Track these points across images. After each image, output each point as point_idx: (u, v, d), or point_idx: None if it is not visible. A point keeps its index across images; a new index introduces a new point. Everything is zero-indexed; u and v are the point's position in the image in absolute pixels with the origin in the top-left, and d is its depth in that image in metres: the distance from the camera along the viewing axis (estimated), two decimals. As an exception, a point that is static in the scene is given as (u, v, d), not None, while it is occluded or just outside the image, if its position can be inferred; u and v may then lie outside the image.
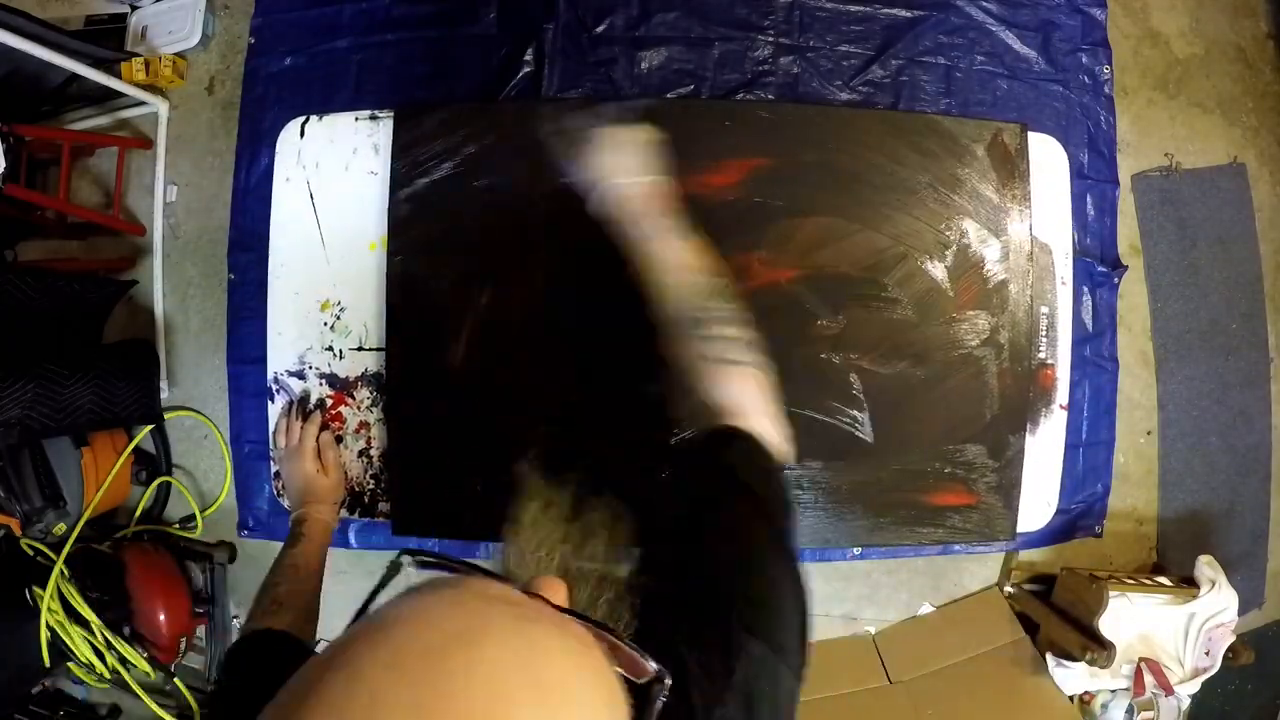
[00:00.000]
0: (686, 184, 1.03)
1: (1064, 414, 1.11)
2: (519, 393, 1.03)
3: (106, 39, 2.04)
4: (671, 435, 1.03)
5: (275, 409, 1.10)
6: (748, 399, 0.69)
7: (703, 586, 0.53)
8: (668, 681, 0.39)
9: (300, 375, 1.08)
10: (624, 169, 0.84)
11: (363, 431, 1.08)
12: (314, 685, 0.30)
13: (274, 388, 1.10)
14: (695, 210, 1.02)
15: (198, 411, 2.00)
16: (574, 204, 1.03)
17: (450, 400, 1.04)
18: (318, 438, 1.04)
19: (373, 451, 1.08)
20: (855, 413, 1.04)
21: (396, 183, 1.05)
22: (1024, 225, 1.05)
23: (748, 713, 0.48)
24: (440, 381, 1.04)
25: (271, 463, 1.10)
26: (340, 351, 1.08)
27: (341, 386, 1.08)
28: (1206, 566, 1.69)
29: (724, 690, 0.47)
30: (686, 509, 0.60)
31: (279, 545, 2.01)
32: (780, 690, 0.52)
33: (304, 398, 1.09)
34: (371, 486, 1.08)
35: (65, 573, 1.68)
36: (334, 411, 1.07)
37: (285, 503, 1.05)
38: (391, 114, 1.07)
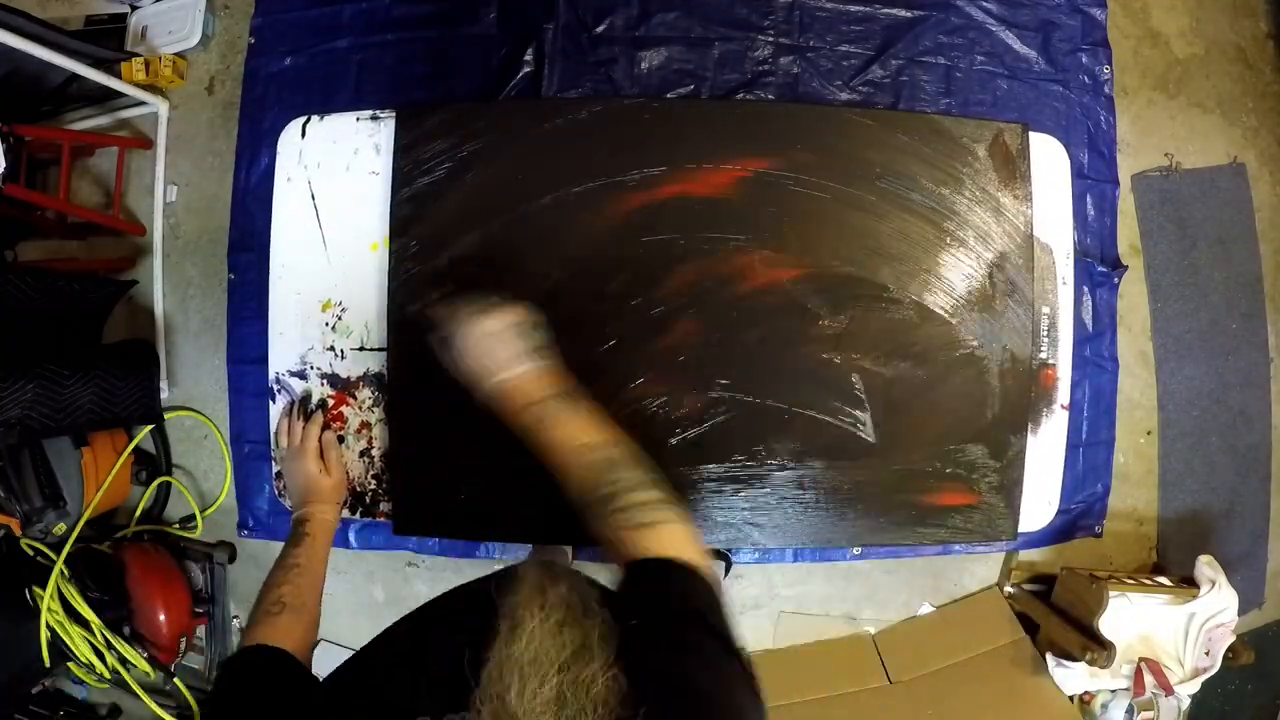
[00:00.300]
0: (687, 184, 1.04)
1: (1065, 414, 1.11)
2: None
3: (106, 39, 2.04)
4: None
5: (276, 409, 1.09)
6: (675, 548, 0.66)
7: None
8: None
9: (302, 375, 1.07)
10: (502, 361, 0.80)
11: (364, 431, 1.07)
12: None
13: (275, 388, 1.09)
14: (696, 210, 1.03)
15: (198, 411, 2.00)
16: (577, 203, 1.04)
17: (452, 400, 1.04)
18: (320, 438, 1.04)
19: (374, 451, 1.07)
20: (857, 412, 1.04)
21: (399, 182, 1.05)
22: (1025, 225, 1.05)
23: None
24: (442, 381, 1.04)
25: (273, 463, 1.10)
26: (342, 351, 1.08)
27: (343, 386, 1.07)
28: (1206, 566, 1.69)
29: None
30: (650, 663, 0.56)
31: (279, 545, 2.03)
32: None
33: (305, 398, 1.09)
34: (373, 486, 1.08)
35: (65, 573, 1.68)
36: (335, 411, 1.07)
37: (287, 503, 1.05)
38: (393, 114, 1.07)
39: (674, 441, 1.03)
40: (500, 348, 0.78)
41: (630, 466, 0.71)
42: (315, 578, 0.91)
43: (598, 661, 0.48)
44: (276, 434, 1.07)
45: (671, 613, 0.58)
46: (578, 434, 0.73)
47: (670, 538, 0.67)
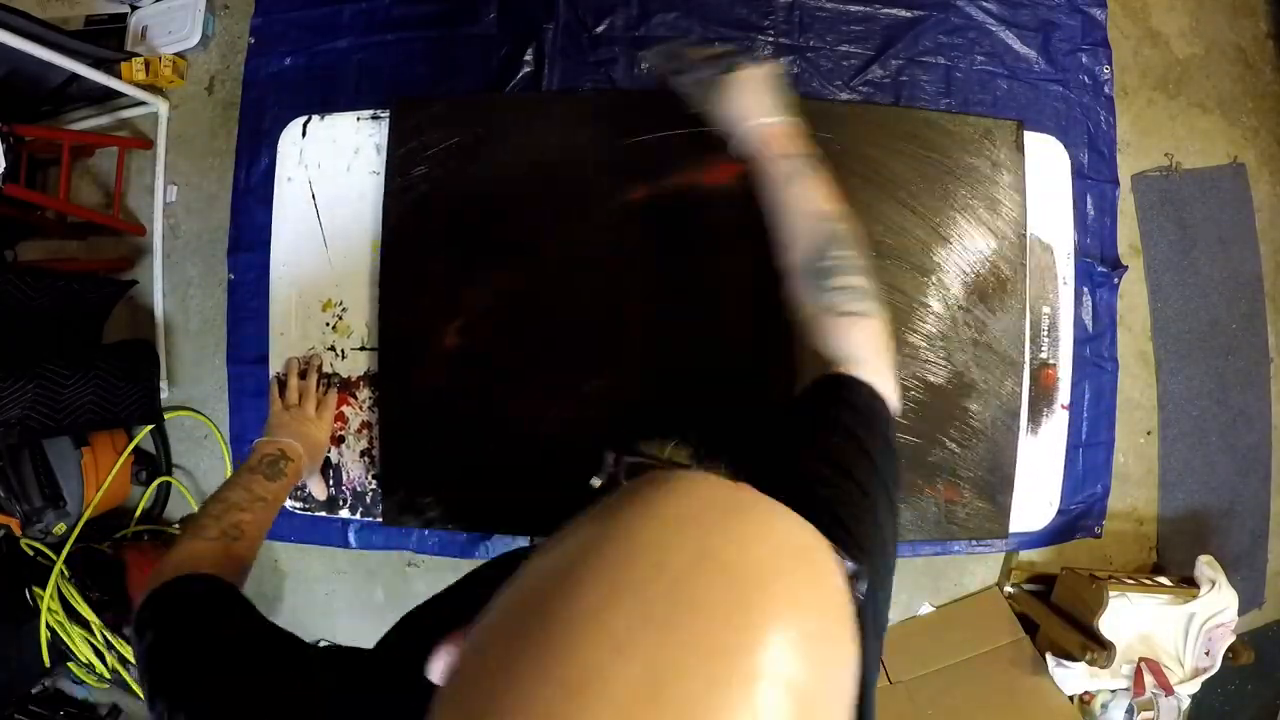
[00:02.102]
0: (684, 174, 1.04)
1: (1065, 414, 1.11)
2: (514, 386, 1.03)
3: (106, 39, 2.04)
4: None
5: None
6: (867, 350, 0.69)
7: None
8: (863, 583, 0.43)
9: (302, 375, 1.07)
10: (762, 109, 0.82)
11: (365, 432, 1.07)
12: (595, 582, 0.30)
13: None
14: (693, 199, 1.03)
15: (198, 411, 2.00)
16: (572, 194, 1.03)
17: (443, 390, 1.04)
18: (320, 398, 1.01)
19: (375, 452, 1.07)
20: (856, 412, 1.04)
21: (392, 171, 1.05)
22: (1024, 223, 1.05)
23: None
24: (433, 372, 1.04)
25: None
26: (342, 351, 1.08)
27: (343, 387, 1.07)
28: (1206, 566, 1.69)
29: None
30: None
31: (279, 546, 2.05)
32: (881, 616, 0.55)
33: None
34: (373, 487, 1.08)
35: (65, 573, 1.68)
36: (336, 411, 1.07)
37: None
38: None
39: (668, 428, 1.03)
40: (762, 94, 0.80)
41: (853, 247, 0.72)
42: (270, 521, 0.82)
43: None
44: (283, 386, 1.02)
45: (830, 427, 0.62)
46: (818, 200, 0.74)
47: (866, 336, 0.70)
